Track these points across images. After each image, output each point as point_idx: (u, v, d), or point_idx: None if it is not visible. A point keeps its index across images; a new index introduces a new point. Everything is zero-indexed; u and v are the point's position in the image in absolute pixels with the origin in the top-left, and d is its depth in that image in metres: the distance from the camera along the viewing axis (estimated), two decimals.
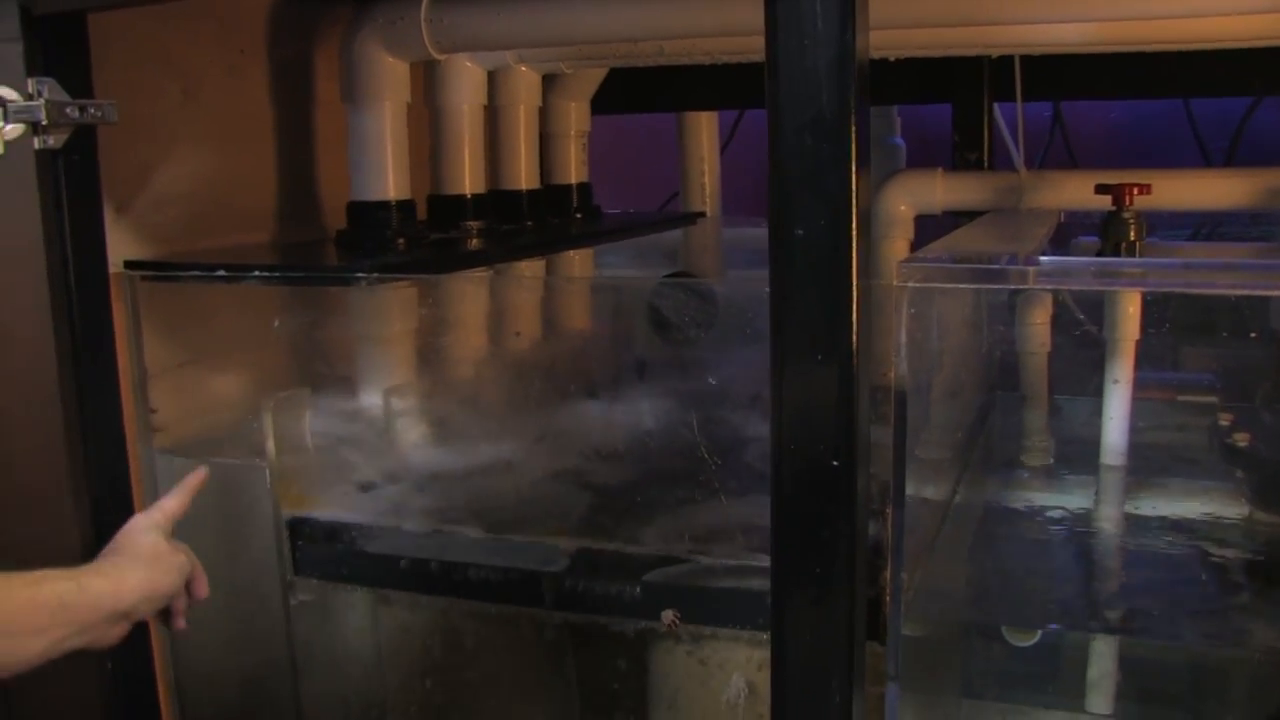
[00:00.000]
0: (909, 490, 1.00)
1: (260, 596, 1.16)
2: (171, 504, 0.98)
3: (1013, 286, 0.88)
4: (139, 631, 1.15)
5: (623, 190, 2.14)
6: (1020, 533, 1.25)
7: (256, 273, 1.09)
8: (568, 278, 1.50)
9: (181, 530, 1.17)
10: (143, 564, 0.94)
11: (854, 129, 0.80)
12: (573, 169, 1.68)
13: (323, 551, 1.12)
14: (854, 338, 0.81)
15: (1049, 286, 0.87)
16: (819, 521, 0.84)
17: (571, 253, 1.60)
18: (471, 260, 1.29)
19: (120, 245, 1.17)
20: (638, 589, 1.03)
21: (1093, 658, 1.31)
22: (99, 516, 1.09)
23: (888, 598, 0.95)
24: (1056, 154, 1.89)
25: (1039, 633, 1.34)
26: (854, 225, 0.81)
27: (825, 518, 0.84)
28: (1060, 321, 1.51)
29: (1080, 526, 1.27)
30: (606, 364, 1.44)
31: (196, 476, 0.99)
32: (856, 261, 0.81)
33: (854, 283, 0.81)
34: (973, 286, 0.92)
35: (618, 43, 1.31)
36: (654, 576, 1.04)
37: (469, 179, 1.43)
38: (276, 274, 1.09)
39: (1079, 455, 1.39)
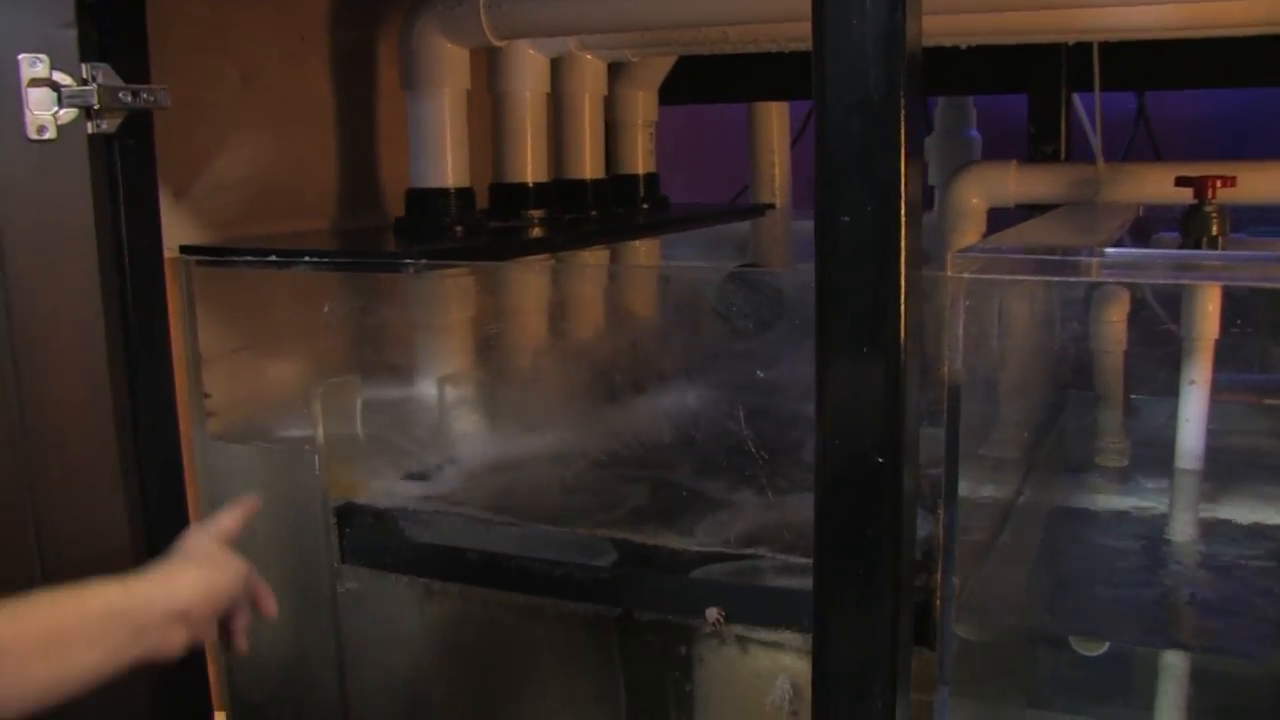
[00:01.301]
0: (967, 490, 0.96)
1: (308, 583, 1.15)
2: (227, 520, 0.97)
3: (1069, 279, 0.84)
4: None
5: (696, 182, 2.11)
6: (1087, 537, 1.20)
7: (307, 258, 1.09)
8: (618, 265, 1.48)
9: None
10: (194, 563, 0.92)
11: (903, 112, 0.76)
12: (640, 159, 1.65)
13: (369, 539, 1.11)
14: (901, 329, 0.78)
15: (1111, 279, 0.83)
16: (863, 520, 0.81)
17: (636, 243, 1.58)
18: (526, 247, 1.28)
19: (178, 230, 1.18)
20: (683, 585, 1.01)
21: (1164, 670, 1.26)
22: (150, 501, 1.10)
23: (939, 600, 0.91)
24: (1140, 148, 1.82)
25: (1108, 641, 1.30)
26: (902, 212, 0.77)
27: (869, 516, 0.81)
28: (1138, 319, 1.45)
29: (1152, 532, 1.22)
30: (665, 356, 1.42)
31: (249, 503, 0.99)
32: (905, 250, 0.78)
33: (902, 272, 0.78)
34: (1030, 278, 0.87)
35: (678, 28, 1.29)
36: (700, 573, 1.01)
37: (531, 167, 1.41)
38: (326, 259, 1.09)
39: (1156, 458, 1.34)
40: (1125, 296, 1.43)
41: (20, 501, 1.04)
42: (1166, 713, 1.24)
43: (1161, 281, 0.97)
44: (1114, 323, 1.42)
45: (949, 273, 0.85)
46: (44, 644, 0.78)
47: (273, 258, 1.10)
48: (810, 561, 0.92)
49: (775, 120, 1.80)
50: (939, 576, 0.91)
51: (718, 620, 0.99)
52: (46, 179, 1.00)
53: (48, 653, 0.78)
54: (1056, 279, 0.87)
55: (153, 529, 1.10)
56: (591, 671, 1.09)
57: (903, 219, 0.77)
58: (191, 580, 0.89)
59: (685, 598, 1.00)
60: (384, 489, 1.14)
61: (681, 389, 1.31)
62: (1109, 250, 0.84)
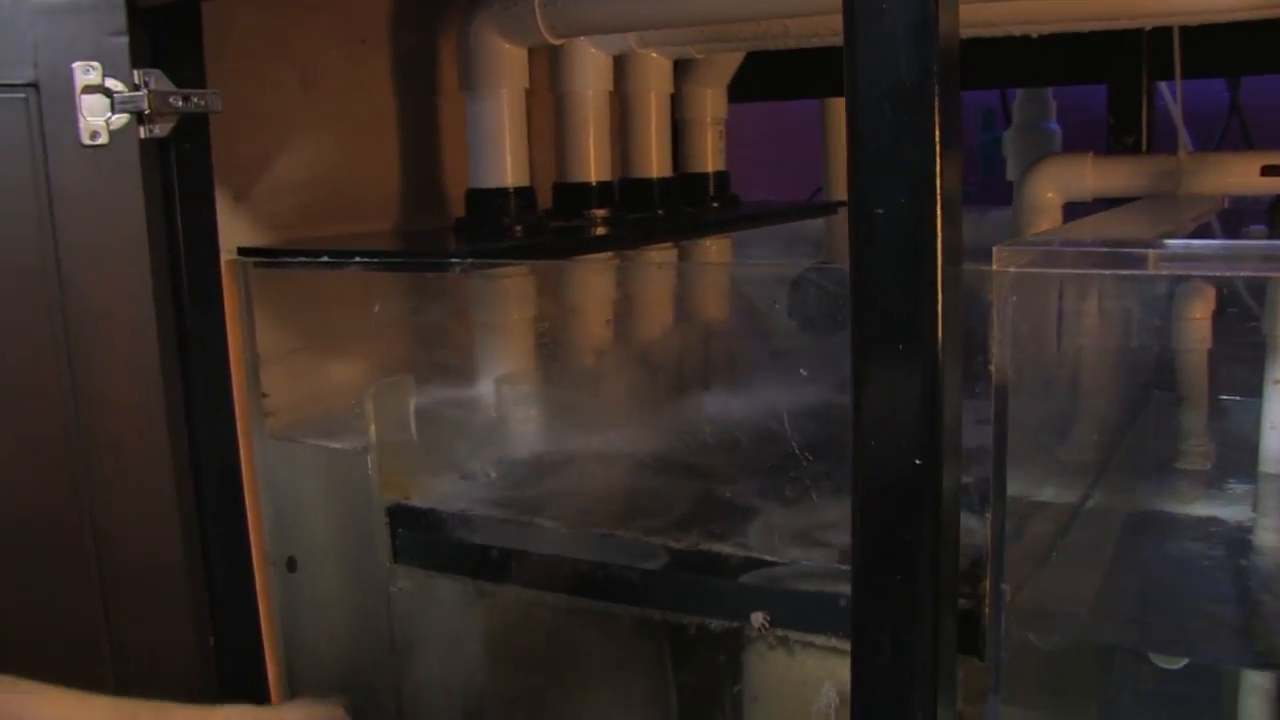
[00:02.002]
0: (1022, 492, 0.93)
1: (362, 582, 1.16)
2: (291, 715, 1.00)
3: (1122, 272, 0.80)
4: (247, 606, 1.18)
5: (774, 181, 2.09)
6: (1162, 543, 1.15)
7: (357, 258, 1.10)
8: (680, 263, 1.46)
9: (293, 513, 1.20)
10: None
11: (937, 99, 0.74)
12: (709, 157, 1.64)
13: (420, 540, 1.12)
14: (939, 326, 0.75)
15: (1168, 272, 0.79)
16: (900, 524, 0.78)
17: (703, 241, 1.56)
18: (585, 246, 1.27)
19: (238, 233, 1.19)
20: (730, 589, 0.99)
21: (1248, 687, 1.20)
22: (206, 500, 1.11)
23: (987, 608, 0.88)
24: (1234, 140, 1.75)
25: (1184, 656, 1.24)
26: (938, 204, 0.74)
27: (907, 520, 0.78)
28: (1224, 315, 1.39)
29: (1234, 540, 1.16)
30: (728, 356, 1.41)
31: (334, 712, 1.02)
32: (942, 243, 0.75)
33: (939, 265, 0.75)
34: (1079, 272, 0.84)
35: (732, 23, 1.27)
36: (748, 578, 0.99)
37: (594, 166, 1.40)
38: (376, 259, 1.09)
39: (1244, 462, 1.28)
40: (1210, 293, 1.37)
41: (75, 503, 1.06)
42: None
43: (1223, 274, 0.91)
44: (1197, 320, 1.36)
45: (995, 266, 0.82)
46: None
47: (324, 258, 1.11)
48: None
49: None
50: (988, 584, 0.87)
51: (763, 624, 0.97)
52: (100, 183, 1.02)
53: None
54: (1108, 272, 0.83)
55: (207, 528, 1.12)
56: (642, 674, 1.08)
57: (939, 211, 0.74)
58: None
59: (732, 602, 0.98)
60: (436, 490, 1.14)
61: (745, 390, 1.29)
62: (1168, 242, 0.80)
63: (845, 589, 0.94)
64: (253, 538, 1.20)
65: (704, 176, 1.61)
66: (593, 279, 1.32)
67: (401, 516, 1.13)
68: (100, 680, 1.11)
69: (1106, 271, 0.82)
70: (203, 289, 1.11)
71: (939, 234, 0.75)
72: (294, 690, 1.24)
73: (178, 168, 1.07)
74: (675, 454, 1.19)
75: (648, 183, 1.49)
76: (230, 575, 1.15)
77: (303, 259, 1.13)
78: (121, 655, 1.10)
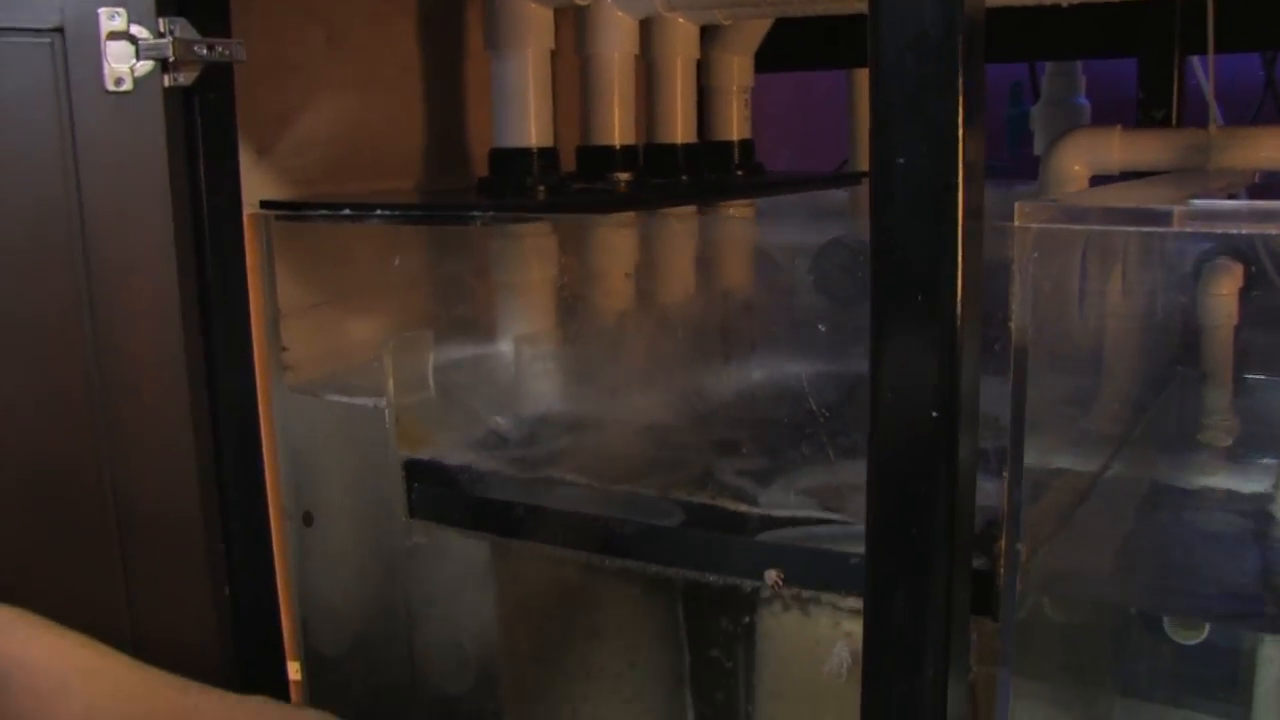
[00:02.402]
0: (1040, 459, 0.92)
1: (378, 537, 1.16)
2: None
3: (1146, 228, 0.79)
4: (263, 558, 1.18)
5: (802, 152, 2.08)
6: (1180, 514, 1.14)
7: (379, 211, 1.10)
8: (702, 220, 1.45)
9: (310, 468, 1.20)
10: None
11: (961, 49, 0.73)
12: (734, 125, 1.63)
13: (437, 495, 1.12)
14: (959, 279, 0.75)
15: (1192, 229, 0.78)
16: (916, 478, 0.78)
17: (730, 207, 1.55)
18: (607, 205, 1.26)
19: (261, 187, 1.19)
20: (744, 547, 0.99)
21: (1265, 660, 1.19)
22: (224, 451, 1.12)
23: (1002, 569, 0.88)
24: (1268, 116, 1.73)
25: (1206, 628, 1.23)
26: (959, 156, 0.74)
27: (923, 475, 0.78)
28: (1251, 294, 1.38)
29: (1255, 512, 1.15)
30: (749, 318, 1.40)
31: None
32: (963, 196, 0.74)
33: (959, 218, 0.74)
34: (1104, 228, 0.83)
35: None
36: (763, 536, 0.99)
37: (619, 130, 1.40)
38: (397, 212, 1.09)
39: (1269, 437, 1.27)
40: (1238, 270, 1.36)
41: (94, 453, 1.06)
42: (1265, 704, 1.17)
43: (1249, 232, 0.90)
44: (1224, 296, 1.35)
45: (1016, 222, 0.81)
46: None
47: (346, 211, 1.11)
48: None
49: None
50: (1003, 544, 0.87)
51: (776, 582, 0.96)
52: (124, 131, 1.02)
53: None
54: (1131, 229, 0.82)
55: (225, 480, 1.12)
56: (655, 632, 1.08)
57: (960, 163, 0.74)
58: None
59: (746, 559, 0.98)
60: (453, 446, 1.14)
61: (766, 352, 1.29)
62: (1194, 201, 0.79)
63: (859, 548, 0.94)
64: (270, 491, 1.20)
65: (729, 144, 1.61)
66: (614, 238, 1.32)
67: (418, 471, 1.13)
68: (116, 629, 1.12)
69: (1129, 228, 0.81)
70: (225, 240, 1.11)
71: (960, 186, 0.74)
72: (308, 643, 1.24)
73: (201, 117, 1.07)
74: (694, 414, 1.19)
75: (672, 148, 1.49)
76: (247, 528, 1.16)
77: (325, 212, 1.13)
78: (137, 605, 1.10)
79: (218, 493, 1.12)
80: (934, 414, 0.77)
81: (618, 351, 1.27)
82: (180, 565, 1.10)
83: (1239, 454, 1.26)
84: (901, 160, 0.75)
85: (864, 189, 1.64)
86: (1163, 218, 0.77)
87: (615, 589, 1.07)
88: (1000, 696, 0.90)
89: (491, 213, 1.05)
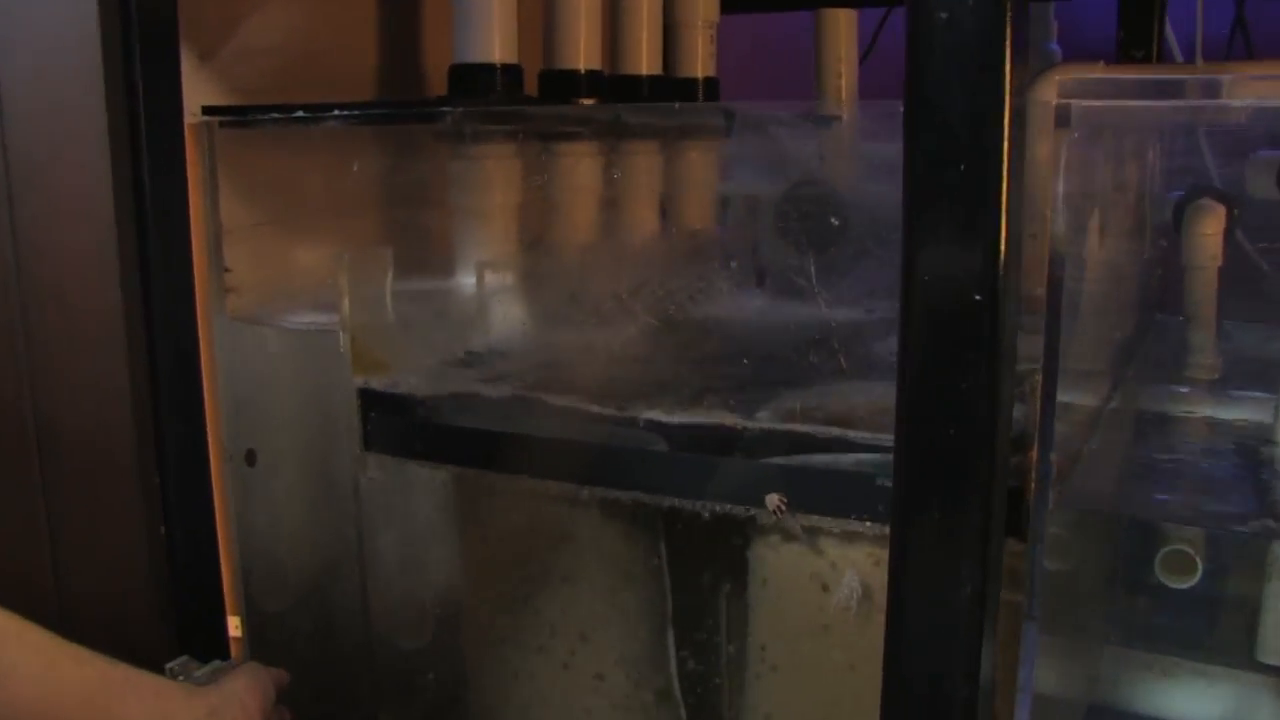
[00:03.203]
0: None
1: (329, 474, 1.07)
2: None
3: (1203, 102, 0.73)
4: (200, 501, 1.07)
5: (766, 95, 2.00)
6: (1181, 439, 1.10)
7: (336, 112, 1.00)
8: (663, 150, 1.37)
9: (253, 402, 1.10)
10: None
11: None
12: (699, 61, 1.55)
13: (395, 425, 1.02)
14: (1005, 141, 0.68)
15: (1251, 104, 0.72)
16: (954, 368, 0.71)
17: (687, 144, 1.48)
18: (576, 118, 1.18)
19: (203, 96, 1.09)
20: (740, 469, 0.90)
21: (1268, 603, 1.15)
22: (159, 367, 1.01)
23: (1032, 484, 0.81)
24: (1238, 54, 1.69)
25: (1199, 573, 1.19)
26: (1007, 9, 0.67)
27: (963, 364, 0.70)
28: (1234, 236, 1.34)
29: (1245, 439, 1.11)
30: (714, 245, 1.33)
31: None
32: (1011, 52, 0.68)
33: (1007, 76, 0.68)
34: (1157, 104, 0.76)
35: None
36: (761, 456, 0.90)
37: (583, 54, 1.31)
38: (356, 113, 1.00)
39: (1252, 376, 1.24)
40: (1220, 210, 1.33)
41: (13, 362, 0.96)
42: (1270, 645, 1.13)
43: None
44: (1208, 236, 1.31)
45: (1054, 98, 0.75)
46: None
47: (299, 114, 1.01)
48: (885, 439, 0.82)
49: (844, 27, 1.68)
50: (1034, 454, 0.80)
51: (779, 508, 0.88)
52: (55, 12, 0.92)
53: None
54: (1187, 104, 0.75)
55: (160, 408, 1.02)
56: (636, 572, 1.00)
57: (1008, 14, 0.67)
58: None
59: (743, 484, 0.90)
60: (414, 371, 1.05)
61: (734, 280, 1.22)
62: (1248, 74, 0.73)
63: (869, 469, 0.87)
64: (210, 430, 1.10)
65: (694, 81, 1.53)
66: (580, 159, 1.23)
67: (374, 400, 1.03)
68: (35, 571, 1.01)
69: (1182, 103, 0.74)
70: (164, 146, 1.00)
71: (1008, 40, 0.67)
72: (250, 596, 1.14)
73: (138, 8, 0.97)
74: (666, 340, 1.11)
75: (637, 80, 1.41)
76: (183, 465, 1.05)
77: (275, 115, 1.03)
78: (61, 542, 1.00)
79: (153, 422, 1.02)
80: (977, 296, 0.70)
81: (585, 277, 1.18)
82: (110, 498, 1.00)
83: (1223, 388, 1.23)
84: (944, 15, 0.68)
85: (836, 132, 1.58)
86: (1216, 88, 0.71)
87: (593, 524, 0.99)
88: (1026, 635, 0.83)
89: (462, 109, 0.96)
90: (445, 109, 0.97)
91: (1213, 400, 1.18)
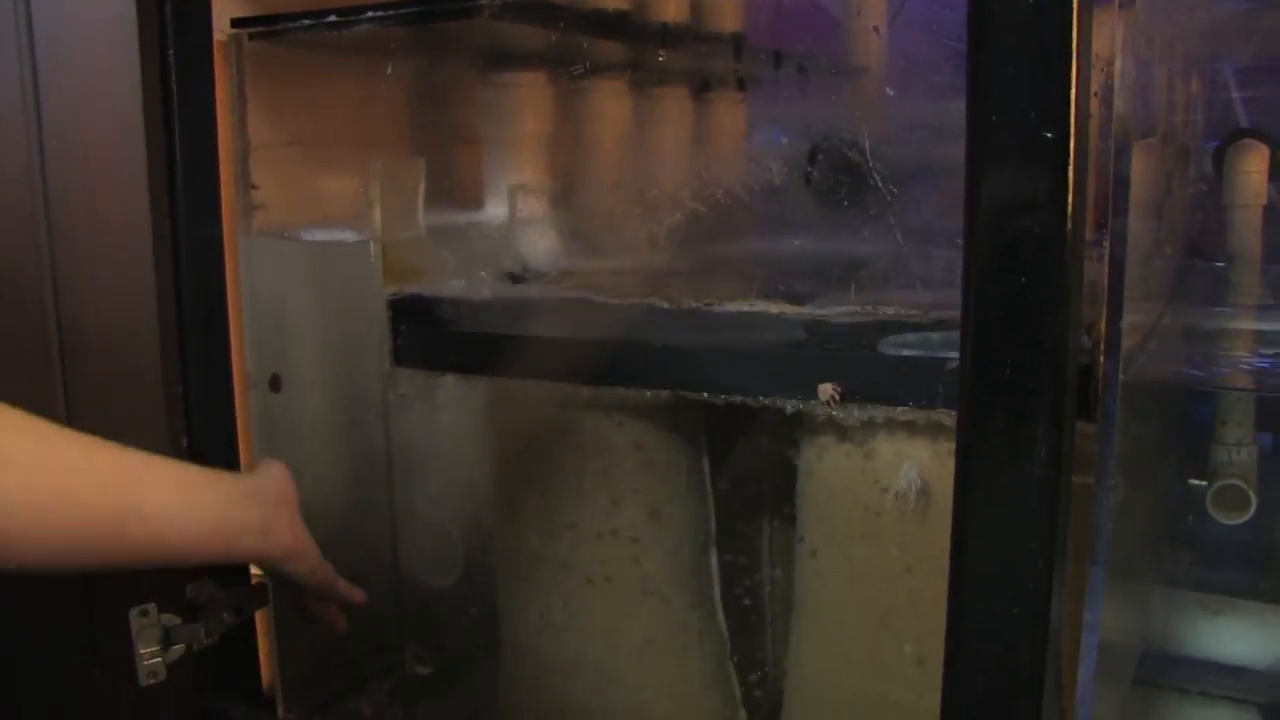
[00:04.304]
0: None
1: (357, 393, 1.03)
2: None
3: None
4: (224, 425, 1.04)
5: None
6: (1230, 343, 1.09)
7: (370, 14, 0.98)
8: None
9: (279, 324, 1.07)
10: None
11: None
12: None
13: (428, 336, 0.99)
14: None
15: None
16: (1021, 213, 0.68)
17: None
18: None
19: (231, 13, 1.07)
20: (788, 358, 0.86)
21: None
22: (184, 293, 0.98)
23: (1102, 356, 0.77)
24: None
25: (1253, 507, 1.16)
26: None
27: (1037, 199, 0.67)
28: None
29: None
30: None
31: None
32: None
33: None
34: None
35: None
36: (810, 342, 0.86)
37: None
38: (393, 12, 0.97)
39: None
40: (1264, 149, 1.31)
41: (40, 257, 0.93)
42: None
43: None
44: (1251, 174, 1.29)
45: None
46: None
47: (332, 17, 0.99)
48: (946, 318, 0.79)
49: None
50: (1102, 325, 0.76)
51: (832, 398, 0.85)
52: None
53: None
54: None
55: (184, 327, 0.99)
56: (678, 472, 0.96)
57: None
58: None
59: (789, 374, 0.86)
60: (448, 284, 1.01)
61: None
62: None
63: (928, 352, 0.83)
64: (234, 358, 1.06)
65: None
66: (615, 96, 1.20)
67: (405, 311, 1.00)
68: None
69: None
70: (192, 63, 0.98)
71: None
72: None
73: None
74: (704, 262, 1.07)
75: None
76: (206, 383, 1.02)
77: (306, 21, 1.00)
78: None
79: (178, 337, 0.99)
80: (1047, 134, 0.67)
81: (618, 202, 1.15)
82: (133, 407, 0.96)
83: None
84: None
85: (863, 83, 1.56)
86: None
87: (633, 433, 0.95)
88: (1098, 511, 0.79)
89: (500, 1, 0.94)
90: (483, 2, 0.95)
91: (1257, 318, 1.17)
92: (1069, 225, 0.67)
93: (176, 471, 0.79)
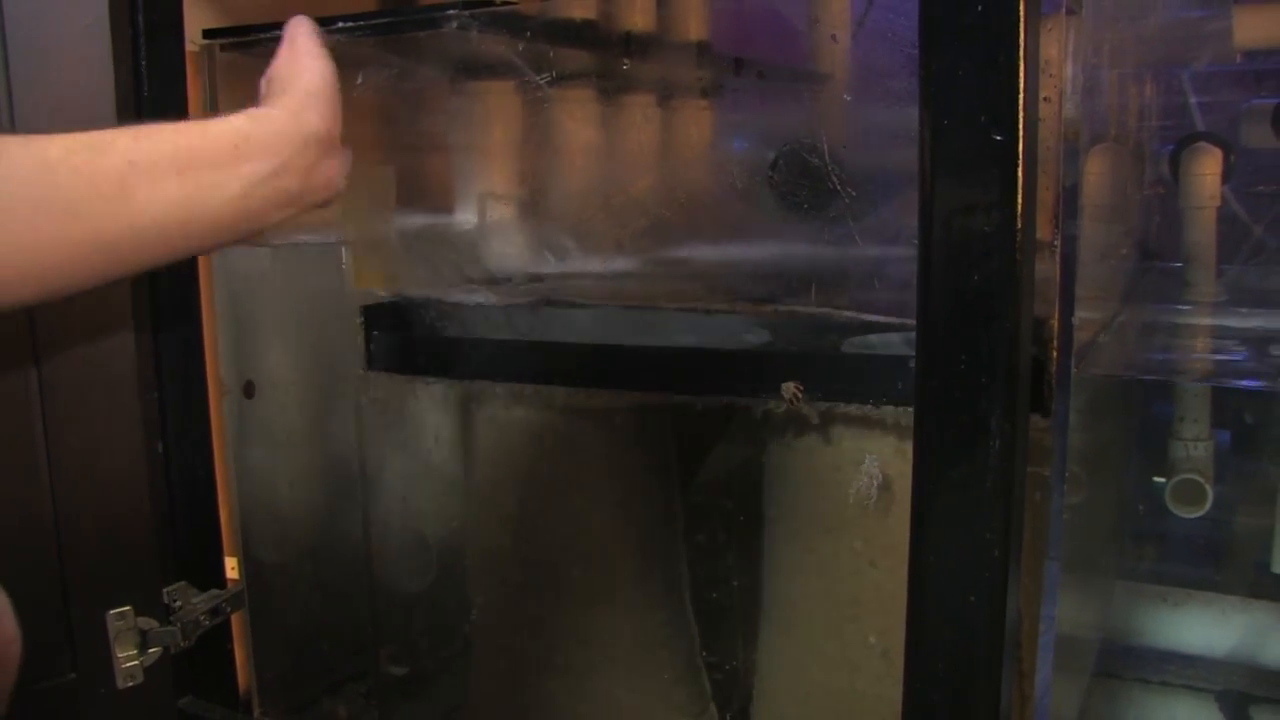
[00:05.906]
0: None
1: (330, 397, 1.05)
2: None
3: None
4: (198, 431, 1.05)
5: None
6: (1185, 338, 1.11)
7: (340, 24, 0.99)
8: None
9: (253, 332, 1.08)
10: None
11: None
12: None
13: (400, 340, 1.01)
14: None
15: None
16: (978, 206, 0.70)
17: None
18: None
19: (202, 24, 1.08)
20: (752, 359, 0.89)
21: None
22: (159, 299, 1.00)
23: (1055, 351, 0.80)
24: None
25: (1209, 501, 1.19)
26: None
27: (986, 203, 0.70)
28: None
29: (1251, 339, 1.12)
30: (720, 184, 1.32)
31: None
32: None
33: None
34: None
35: None
36: (775, 343, 0.89)
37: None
38: (363, 23, 0.99)
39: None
40: (1218, 152, 1.34)
41: None
42: None
43: None
44: (1206, 176, 1.32)
45: None
46: (175, 163, 0.65)
47: None
48: (907, 321, 0.81)
49: None
50: (1055, 320, 0.79)
51: (795, 396, 0.87)
52: None
53: (181, 173, 0.65)
54: None
55: (159, 334, 1.00)
56: (647, 471, 0.98)
57: None
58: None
59: (755, 374, 0.89)
60: (420, 289, 1.03)
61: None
62: None
63: (888, 350, 0.86)
64: (208, 363, 1.07)
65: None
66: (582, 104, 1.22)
67: (378, 317, 1.02)
68: (32, 480, 0.98)
69: None
70: (164, 74, 1.00)
71: None
72: (248, 537, 1.11)
73: None
74: (671, 265, 1.10)
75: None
76: (180, 388, 1.03)
77: (277, 33, 1.02)
78: (57, 447, 0.97)
79: (153, 342, 1.00)
80: (997, 138, 0.69)
81: (587, 209, 1.17)
82: (107, 410, 0.97)
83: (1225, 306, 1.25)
84: None
85: (829, 90, 1.58)
86: None
87: (602, 431, 0.97)
88: (1052, 504, 0.81)
89: (469, 11, 0.96)
90: (450, 12, 0.97)
91: (1213, 316, 1.19)
92: (1019, 225, 0.70)
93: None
